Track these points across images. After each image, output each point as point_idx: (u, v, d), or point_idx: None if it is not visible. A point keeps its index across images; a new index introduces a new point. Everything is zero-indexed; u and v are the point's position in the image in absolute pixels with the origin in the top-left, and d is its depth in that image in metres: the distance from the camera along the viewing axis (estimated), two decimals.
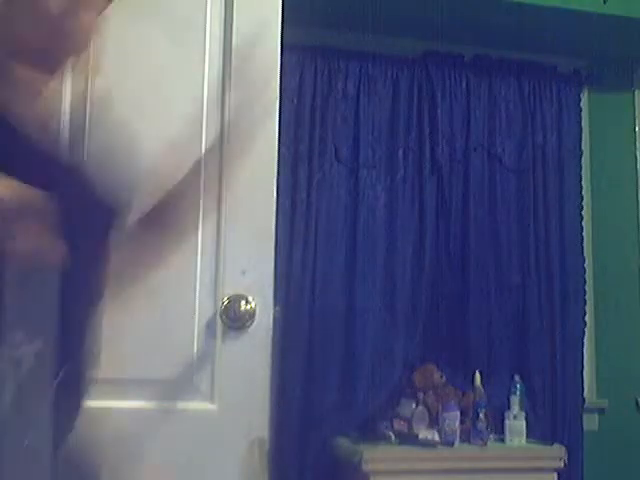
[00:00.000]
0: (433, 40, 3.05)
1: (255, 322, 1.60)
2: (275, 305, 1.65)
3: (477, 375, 2.83)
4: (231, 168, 1.66)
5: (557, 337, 3.08)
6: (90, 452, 1.06)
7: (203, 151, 1.66)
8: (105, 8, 1.20)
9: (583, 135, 3.28)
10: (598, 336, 3.22)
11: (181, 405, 1.60)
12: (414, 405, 2.75)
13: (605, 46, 3.10)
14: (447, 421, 2.66)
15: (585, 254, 3.22)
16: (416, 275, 2.99)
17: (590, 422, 3.13)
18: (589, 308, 3.20)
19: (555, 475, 2.65)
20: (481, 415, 2.69)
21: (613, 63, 3.26)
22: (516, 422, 2.76)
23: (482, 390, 2.79)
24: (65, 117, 1.62)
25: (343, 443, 2.64)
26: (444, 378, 2.86)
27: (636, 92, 3.40)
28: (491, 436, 2.75)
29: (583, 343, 3.14)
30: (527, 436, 2.76)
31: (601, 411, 3.18)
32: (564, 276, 3.13)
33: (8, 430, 1.01)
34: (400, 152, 3.01)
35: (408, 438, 2.63)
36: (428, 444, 2.59)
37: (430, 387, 2.82)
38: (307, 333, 2.77)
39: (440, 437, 2.63)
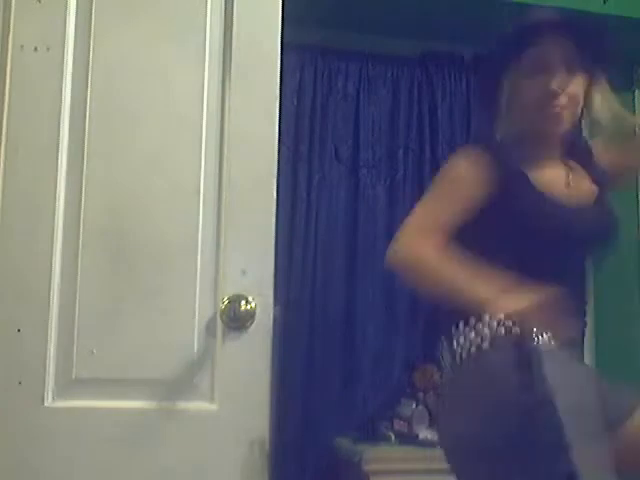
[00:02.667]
0: (433, 40, 3.04)
1: (255, 322, 1.60)
2: (275, 305, 1.65)
3: None
4: (231, 168, 1.66)
5: None
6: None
7: (203, 151, 1.66)
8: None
9: (583, 135, 3.28)
10: (598, 336, 3.22)
11: (181, 405, 1.60)
12: (414, 405, 2.74)
13: None
14: None
15: None
16: None
17: None
18: (589, 308, 3.20)
19: None
20: None
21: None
22: None
23: None
24: (65, 117, 1.62)
25: (343, 443, 2.64)
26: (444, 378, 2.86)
27: (636, 92, 3.40)
28: None
29: (583, 343, 3.14)
30: None
31: None
32: None
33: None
34: (400, 152, 3.01)
35: (408, 438, 2.63)
36: (428, 444, 2.59)
37: (430, 387, 2.82)
38: (307, 333, 2.77)
39: None
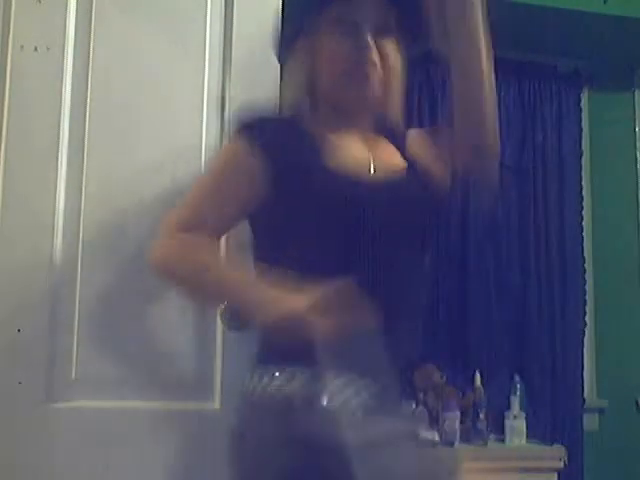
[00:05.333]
0: None
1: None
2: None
3: (477, 375, 2.83)
4: None
5: (557, 337, 3.08)
6: None
7: (203, 151, 1.66)
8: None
9: (583, 135, 3.28)
10: (598, 336, 3.22)
11: (181, 405, 1.60)
12: (414, 405, 2.75)
13: (605, 46, 3.10)
14: (447, 421, 2.66)
15: (585, 254, 3.22)
16: None
17: (590, 422, 3.13)
18: (589, 308, 3.20)
19: (555, 475, 2.65)
20: (481, 415, 2.69)
21: (613, 63, 3.26)
22: (516, 422, 2.76)
23: (482, 390, 2.79)
24: (65, 117, 1.62)
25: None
26: (444, 378, 2.86)
27: (636, 92, 3.40)
28: (491, 436, 2.75)
29: (583, 343, 3.14)
30: (527, 436, 2.76)
31: (601, 411, 3.18)
32: (564, 276, 3.13)
33: None
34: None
35: None
36: (428, 444, 2.59)
37: (430, 387, 2.82)
38: None
39: (440, 437, 2.63)
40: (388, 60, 1.25)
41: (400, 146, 1.31)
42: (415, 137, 1.35)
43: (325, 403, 1.10)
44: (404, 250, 1.22)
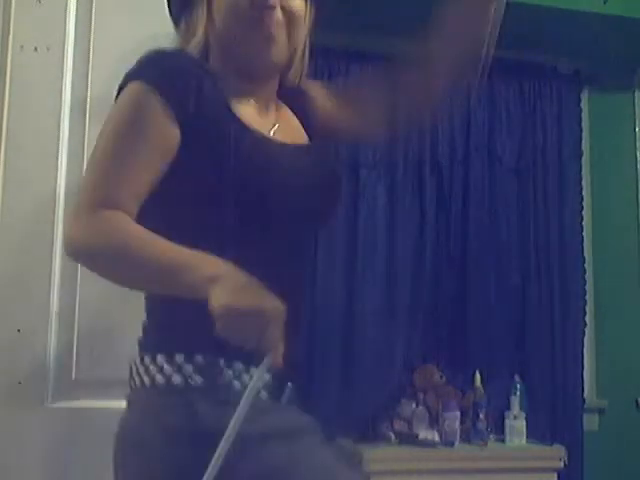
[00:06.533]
0: None
1: None
2: None
3: (477, 375, 2.83)
4: None
5: (557, 337, 3.08)
6: None
7: None
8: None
9: (583, 135, 3.28)
10: (598, 336, 3.22)
11: None
12: (414, 405, 2.75)
13: (605, 46, 3.10)
14: (447, 421, 2.66)
15: (585, 254, 3.22)
16: (416, 275, 2.99)
17: (590, 422, 3.13)
18: (589, 308, 3.20)
19: (555, 475, 2.65)
20: (481, 415, 2.69)
21: (613, 63, 3.26)
22: (516, 422, 2.76)
23: (482, 390, 2.79)
24: (65, 117, 1.62)
25: (343, 443, 2.64)
26: (444, 378, 2.86)
27: (636, 92, 3.40)
28: (491, 436, 2.75)
29: (583, 343, 3.14)
30: (527, 436, 2.76)
31: (601, 411, 3.18)
32: (564, 276, 3.13)
33: None
34: (400, 152, 3.01)
35: (408, 438, 2.63)
36: (428, 444, 2.59)
37: (430, 387, 2.82)
38: (307, 333, 2.77)
39: (440, 437, 2.63)
40: (296, 13, 1.12)
41: (305, 115, 1.20)
42: (322, 92, 1.25)
43: (230, 389, 1.01)
44: (305, 224, 1.12)
